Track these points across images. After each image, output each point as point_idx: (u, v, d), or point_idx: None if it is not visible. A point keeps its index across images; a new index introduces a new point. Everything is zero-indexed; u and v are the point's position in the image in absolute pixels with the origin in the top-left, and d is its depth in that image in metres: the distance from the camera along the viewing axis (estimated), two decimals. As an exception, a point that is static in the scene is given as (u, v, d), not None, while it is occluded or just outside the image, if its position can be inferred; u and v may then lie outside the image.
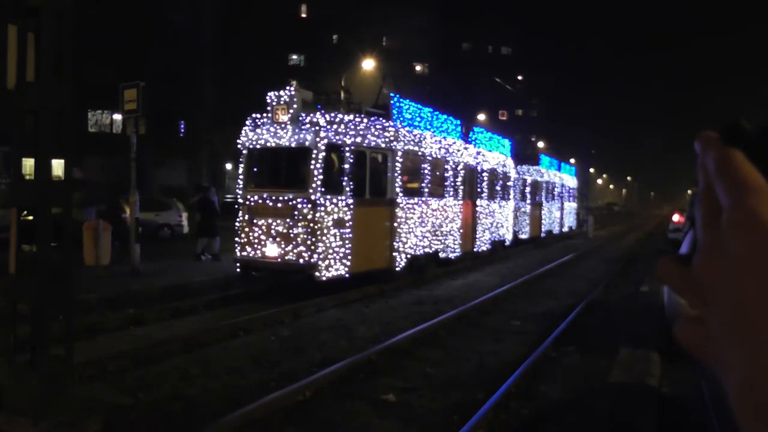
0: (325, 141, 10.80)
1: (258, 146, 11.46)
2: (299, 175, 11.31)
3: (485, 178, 17.87)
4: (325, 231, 10.70)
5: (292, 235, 10.76)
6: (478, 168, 17.29)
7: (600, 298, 11.91)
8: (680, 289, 0.42)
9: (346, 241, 11.07)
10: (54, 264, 4.28)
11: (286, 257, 10.80)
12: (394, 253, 12.47)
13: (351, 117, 11.52)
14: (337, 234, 10.92)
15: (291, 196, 10.85)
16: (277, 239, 10.89)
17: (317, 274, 10.60)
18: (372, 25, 43.39)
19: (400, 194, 12.66)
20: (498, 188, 19.10)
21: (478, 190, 17.36)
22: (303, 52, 45.08)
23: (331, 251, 10.79)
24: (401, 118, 13.27)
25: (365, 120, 11.80)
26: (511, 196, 20.75)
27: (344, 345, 7.75)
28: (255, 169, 11.88)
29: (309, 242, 10.62)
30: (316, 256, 10.58)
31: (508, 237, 20.43)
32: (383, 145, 12.17)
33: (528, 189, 24.20)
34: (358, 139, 11.43)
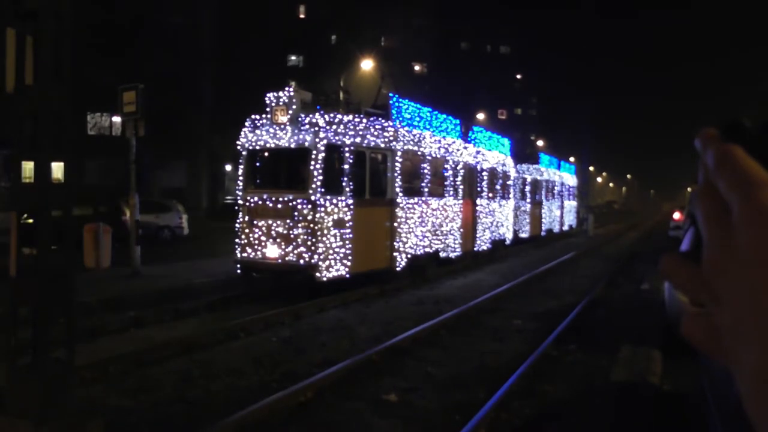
0: (325, 141, 10.80)
1: (257, 147, 11.46)
2: (299, 175, 11.31)
3: (485, 178, 17.87)
4: (326, 231, 10.70)
5: (292, 235, 10.76)
6: (478, 167, 17.29)
7: (601, 297, 11.91)
8: (684, 285, 0.42)
9: (347, 242, 11.07)
10: (54, 266, 4.28)
11: (287, 258, 10.80)
12: (395, 253, 12.46)
13: (350, 117, 11.52)
14: (338, 234, 10.92)
15: (291, 197, 10.85)
16: (278, 240, 10.89)
17: (318, 274, 10.60)
18: (370, 25, 43.41)
19: (400, 194, 12.66)
20: (498, 187, 19.10)
21: (478, 189, 17.36)
22: (302, 53, 45.06)
23: (331, 252, 10.79)
24: (400, 118, 13.28)
25: (364, 120, 11.81)
26: (511, 195, 20.75)
27: (345, 345, 7.75)
28: (255, 171, 11.88)
29: (309, 243, 10.62)
30: (316, 256, 10.58)
31: (509, 236, 20.42)
32: (383, 145, 12.17)
33: (528, 188, 24.21)
34: (358, 140, 11.43)
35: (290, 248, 10.77)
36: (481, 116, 45.03)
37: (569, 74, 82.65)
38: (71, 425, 4.17)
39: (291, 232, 10.78)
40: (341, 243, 10.98)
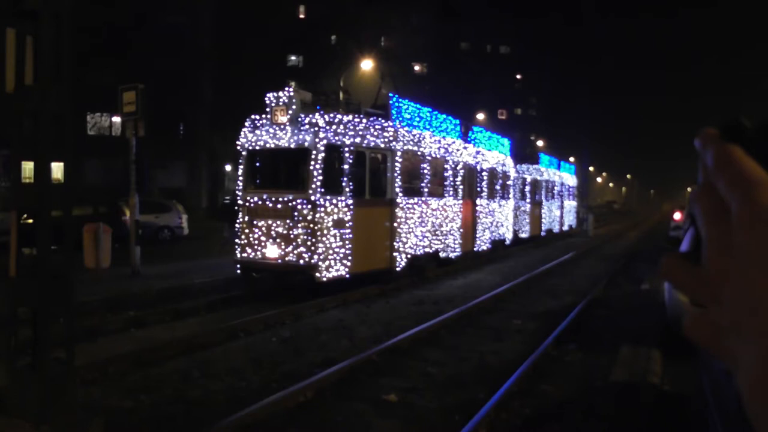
0: (325, 141, 10.79)
1: (257, 147, 11.46)
2: (299, 176, 11.31)
3: (485, 178, 17.87)
4: (325, 231, 10.70)
5: (292, 236, 10.76)
6: (478, 167, 17.29)
7: (601, 297, 11.91)
8: (684, 285, 0.42)
9: (346, 242, 11.07)
10: (54, 266, 4.28)
11: (287, 258, 10.80)
12: (395, 253, 12.46)
13: (350, 117, 11.52)
14: (337, 234, 10.91)
15: (291, 197, 10.85)
16: (278, 240, 10.89)
17: (317, 274, 10.60)
18: (370, 25, 43.42)
19: (400, 194, 12.66)
20: (498, 187, 19.10)
21: (478, 189, 17.36)
22: (302, 53, 45.06)
23: (331, 252, 10.79)
24: (400, 118, 13.27)
25: (364, 120, 11.80)
26: (510, 195, 20.76)
27: (345, 345, 7.75)
28: (254, 171, 11.88)
29: (309, 243, 10.62)
30: (316, 256, 10.58)
31: (509, 236, 20.43)
32: (382, 145, 12.17)
33: (528, 188, 24.21)
34: (358, 140, 11.42)
35: (290, 248, 10.77)
36: (481, 116, 45.01)
37: (569, 74, 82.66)
38: (71, 425, 4.17)
39: (291, 232, 10.77)
40: (341, 243, 10.97)
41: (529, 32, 67.52)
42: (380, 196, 12.28)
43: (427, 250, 13.84)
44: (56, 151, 4.31)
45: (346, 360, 6.74)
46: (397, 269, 12.57)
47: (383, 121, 12.56)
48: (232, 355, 7.30)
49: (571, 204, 33.83)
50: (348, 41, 37.83)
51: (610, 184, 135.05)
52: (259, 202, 11.16)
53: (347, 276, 11.11)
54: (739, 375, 0.37)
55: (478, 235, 17.20)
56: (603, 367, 6.85)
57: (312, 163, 10.73)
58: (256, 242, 11.07)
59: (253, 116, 11.70)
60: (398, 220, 12.56)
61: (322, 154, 10.77)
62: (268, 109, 11.40)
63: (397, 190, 12.57)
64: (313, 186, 10.67)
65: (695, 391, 4.84)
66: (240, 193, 11.60)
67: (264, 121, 11.48)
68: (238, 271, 11.48)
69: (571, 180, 34.01)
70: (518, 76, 73.99)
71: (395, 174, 12.49)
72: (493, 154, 18.92)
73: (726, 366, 0.39)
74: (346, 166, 11.21)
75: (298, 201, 10.74)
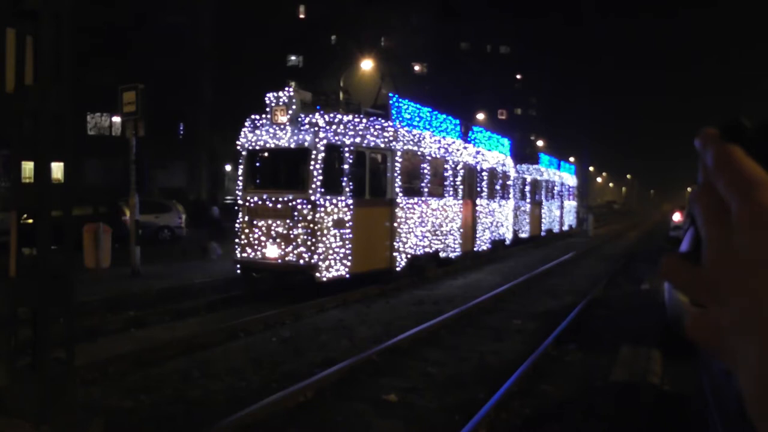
0: (325, 141, 10.80)
1: (257, 147, 11.46)
2: (299, 175, 11.32)
3: (485, 178, 17.87)
4: (325, 231, 10.70)
5: (292, 236, 10.76)
6: (478, 167, 17.29)
7: (601, 297, 11.91)
8: (684, 286, 0.42)
9: (346, 242, 11.07)
10: (54, 266, 4.28)
11: (287, 258, 10.80)
12: (395, 253, 12.46)
13: (350, 117, 11.52)
14: (337, 234, 10.91)
15: (291, 197, 10.85)
16: (277, 240, 10.89)
17: (317, 274, 10.60)
18: (370, 25, 43.42)
19: (400, 194, 12.66)
20: (498, 187, 19.10)
21: (478, 189, 17.36)
22: (302, 53, 45.08)
23: (331, 252, 10.78)
24: (400, 118, 13.27)
25: (364, 120, 11.80)
26: (510, 195, 20.75)
27: (345, 345, 7.75)
28: (254, 171, 11.89)
29: (309, 243, 10.62)
30: (316, 256, 10.58)
31: (509, 236, 20.42)
32: (382, 145, 12.17)
33: (528, 188, 24.21)
34: (358, 140, 11.42)
35: (290, 248, 10.77)
36: (481, 116, 45.01)
37: (569, 74, 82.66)
38: (71, 425, 4.17)
39: (291, 232, 10.78)
40: (341, 243, 10.97)
41: (529, 32, 67.46)
42: (380, 196, 12.28)
43: (427, 250, 13.84)
44: (56, 151, 4.31)
45: (346, 360, 6.74)
46: (397, 269, 12.57)
47: (383, 121, 12.56)
48: (232, 355, 7.30)
49: (571, 204, 33.84)
50: (348, 41, 37.83)
51: (610, 184, 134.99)
52: (259, 202, 11.16)
53: (347, 276, 11.11)
54: (739, 375, 0.37)
55: (478, 235, 17.20)
56: (603, 367, 6.85)
57: (312, 163, 10.73)
58: (256, 242, 11.07)
59: (253, 116, 11.70)
60: (398, 220, 12.56)
61: (322, 154, 10.77)
62: (268, 109, 11.40)
63: (397, 190, 12.57)
64: (313, 186, 10.67)
65: (695, 391, 4.84)
66: (240, 193, 11.61)
67: (264, 121, 11.48)
68: (238, 271, 11.48)
69: (571, 180, 34.02)
70: (518, 76, 73.96)
71: (395, 174, 12.49)
72: (493, 154, 18.92)
73: (726, 366, 0.39)
74: (346, 166, 11.21)
75: (298, 201, 10.74)
